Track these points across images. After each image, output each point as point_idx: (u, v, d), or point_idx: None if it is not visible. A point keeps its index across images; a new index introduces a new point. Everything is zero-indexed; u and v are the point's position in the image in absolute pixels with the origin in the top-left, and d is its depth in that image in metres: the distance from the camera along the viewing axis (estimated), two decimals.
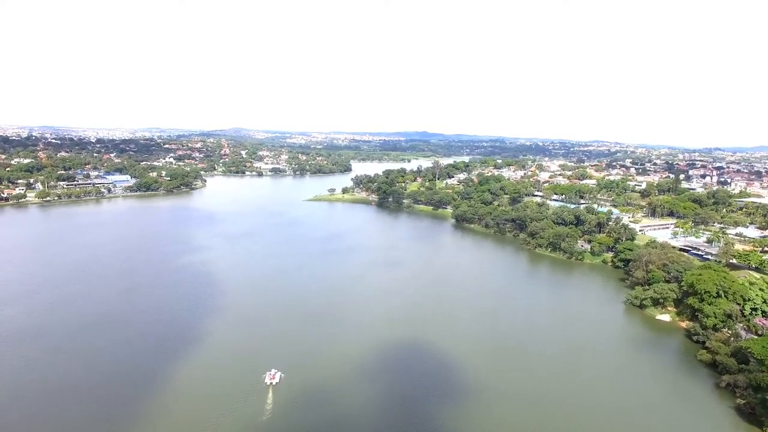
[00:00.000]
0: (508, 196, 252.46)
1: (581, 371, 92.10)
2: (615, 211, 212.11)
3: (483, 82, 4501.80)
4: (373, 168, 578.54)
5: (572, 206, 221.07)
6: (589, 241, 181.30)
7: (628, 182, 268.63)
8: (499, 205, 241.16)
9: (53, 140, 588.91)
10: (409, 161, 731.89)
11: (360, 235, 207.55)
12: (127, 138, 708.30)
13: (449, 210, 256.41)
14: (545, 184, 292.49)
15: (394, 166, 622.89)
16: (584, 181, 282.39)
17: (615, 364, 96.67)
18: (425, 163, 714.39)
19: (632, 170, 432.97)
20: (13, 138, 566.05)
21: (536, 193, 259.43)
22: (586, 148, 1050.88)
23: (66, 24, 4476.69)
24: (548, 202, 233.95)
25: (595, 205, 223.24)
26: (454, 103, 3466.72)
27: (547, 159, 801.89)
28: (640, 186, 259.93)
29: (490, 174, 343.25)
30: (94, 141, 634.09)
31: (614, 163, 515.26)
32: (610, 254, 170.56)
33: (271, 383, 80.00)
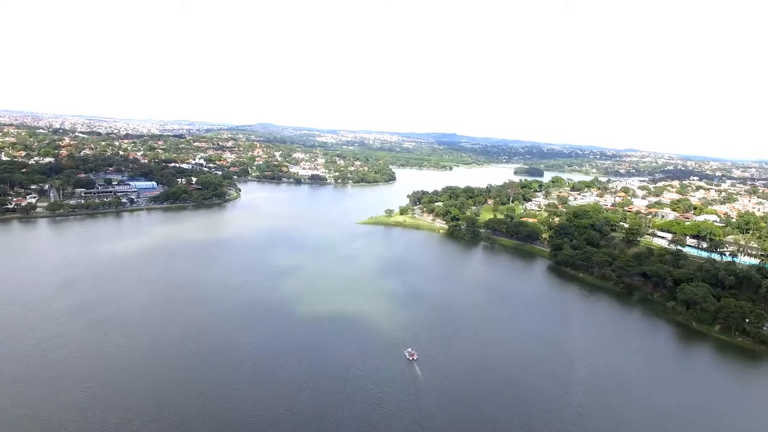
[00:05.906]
0: (619, 234, 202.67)
1: None
2: None
3: (512, 86, 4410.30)
4: (416, 176, 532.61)
5: (724, 258, 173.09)
6: None
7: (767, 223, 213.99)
8: (606, 246, 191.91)
9: (80, 133, 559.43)
10: (450, 169, 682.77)
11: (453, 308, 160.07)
12: (156, 134, 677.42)
13: (539, 247, 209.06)
14: (648, 217, 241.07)
15: (437, 174, 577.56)
16: (703, 217, 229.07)
17: None
18: (466, 171, 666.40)
19: (712, 192, 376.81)
20: (41, 131, 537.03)
21: (658, 233, 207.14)
22: (628, 157, 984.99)
23: (106, 14, 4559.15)
24: (684, 249, 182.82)
25: (738, 255, 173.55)
26: (482, 107, 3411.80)
27: (593, 170, 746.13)
28: None
29: (571, 197, 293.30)
30: (122, 135, 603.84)
31: (687, 183, 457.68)
32: None
33: (412, 359, 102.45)
